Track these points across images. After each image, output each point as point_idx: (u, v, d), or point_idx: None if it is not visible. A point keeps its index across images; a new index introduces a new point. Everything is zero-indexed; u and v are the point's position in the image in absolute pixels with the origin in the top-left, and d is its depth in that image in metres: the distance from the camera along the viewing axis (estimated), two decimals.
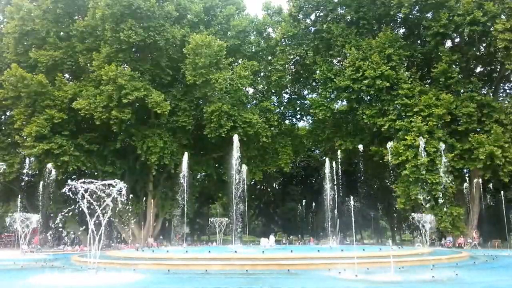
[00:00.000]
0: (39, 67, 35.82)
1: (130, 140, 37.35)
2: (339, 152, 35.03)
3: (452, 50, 35.60)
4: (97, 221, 12.46)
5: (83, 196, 12.35)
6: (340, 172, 33.04)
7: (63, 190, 12.77)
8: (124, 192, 13.05)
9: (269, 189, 62.68)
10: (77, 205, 12.65)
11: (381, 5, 36.02)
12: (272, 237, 32.80)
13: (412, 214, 28.05)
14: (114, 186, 12.73)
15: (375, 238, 70.11)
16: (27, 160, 33.86)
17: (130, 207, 35.03)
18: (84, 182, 12.53)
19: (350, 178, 45.58)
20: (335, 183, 31.76)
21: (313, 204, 52.92)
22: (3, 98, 34.96)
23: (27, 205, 36.89)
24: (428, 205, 31.26)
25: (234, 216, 28.82)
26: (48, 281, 12.73)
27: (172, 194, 39.42)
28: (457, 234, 33.03)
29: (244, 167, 31.55)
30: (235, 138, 29.28)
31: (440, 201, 31.26)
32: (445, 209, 31.33)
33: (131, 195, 34.64)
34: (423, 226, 26.90)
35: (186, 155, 32.12)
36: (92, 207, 12.52)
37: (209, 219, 39.97)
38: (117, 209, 13.31)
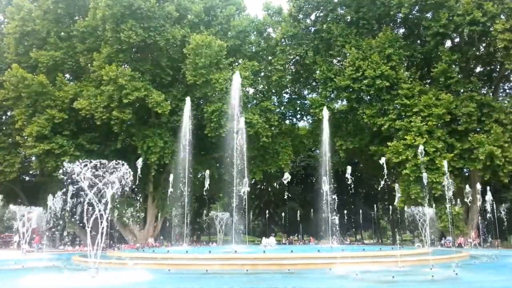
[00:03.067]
0: (39, 67, 35.93)
1: (131, 140, 37.42)
2: None
3: (452, 50, 35.61)
4: (99, 207, 12.35)
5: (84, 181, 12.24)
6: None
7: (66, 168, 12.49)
8: (130, 172, 12.94)
9: (269, 189, 62.66)
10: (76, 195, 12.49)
11: (381, 5, 36.05)
12: (272, 237, 32.81)
13: (411, 208, 27.82)
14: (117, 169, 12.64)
15: (376, 238, 70.17)
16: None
17: (131, 202, 35.03)
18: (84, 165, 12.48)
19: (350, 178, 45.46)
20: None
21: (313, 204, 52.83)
22: (4, 98, 35.09)
23: (28, 204, 36.96)
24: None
25: (234, 216, 28.76)
26: (49, 281, 12.76)
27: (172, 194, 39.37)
28: (457, 233, 33.06)
29: (245, 167, 31.41)
30: (240, 137, 28.78)
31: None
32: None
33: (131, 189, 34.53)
34: (420, 220, 26.72)
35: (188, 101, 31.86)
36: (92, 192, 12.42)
37: (210, 212, 39.49)
38: (123, 191, 13.07)
